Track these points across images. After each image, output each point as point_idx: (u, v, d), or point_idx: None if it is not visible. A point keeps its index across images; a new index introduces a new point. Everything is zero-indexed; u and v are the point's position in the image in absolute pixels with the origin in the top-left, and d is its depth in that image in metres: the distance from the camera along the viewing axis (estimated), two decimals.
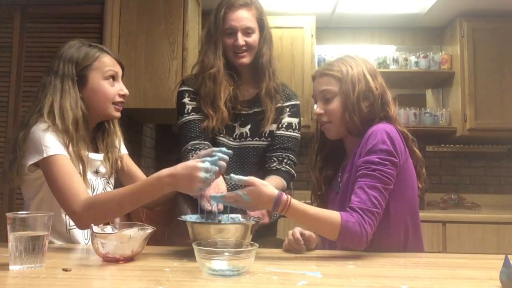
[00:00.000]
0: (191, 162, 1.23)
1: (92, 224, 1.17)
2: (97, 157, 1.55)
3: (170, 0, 2.80)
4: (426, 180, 1.50)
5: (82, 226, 1.35)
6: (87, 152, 1.47)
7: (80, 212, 1.31)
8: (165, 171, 1.24)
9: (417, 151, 1.49)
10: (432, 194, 3.43)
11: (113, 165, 1.58)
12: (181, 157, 1.77)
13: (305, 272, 1.05)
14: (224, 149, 1.30)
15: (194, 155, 1.70)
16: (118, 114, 1.56)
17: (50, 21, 2.86)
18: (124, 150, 1.67)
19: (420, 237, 1.48)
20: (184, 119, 1.81)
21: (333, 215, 1.28)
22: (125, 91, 1.55)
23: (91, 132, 1.57)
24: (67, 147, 1.40)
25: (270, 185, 1.27)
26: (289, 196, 1.26)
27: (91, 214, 1.30)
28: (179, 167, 1.23)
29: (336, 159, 1.60)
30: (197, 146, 1.76)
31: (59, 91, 1.46)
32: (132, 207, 1.35)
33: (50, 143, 1.37)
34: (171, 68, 2.77)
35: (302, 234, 1.36)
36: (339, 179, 1.52)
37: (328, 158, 1.61)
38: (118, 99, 1.54)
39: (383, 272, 1.12)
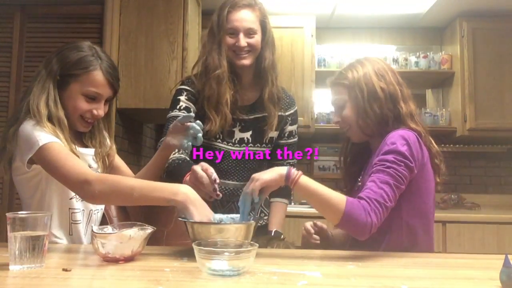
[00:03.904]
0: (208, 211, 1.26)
1: (98, 198, 1.23)
2: (88, 151, 1.54)
3: (170, 0, 2.80)
4: (444, 173, 1.51)
5: (90, 194, 1.30)
6: (75, 146, 1.46)
7: (94, 179, 1.28)
8: (186, 186, 1.27)
9: (433, 146, 1.49)
10: None
11: (104, 161, 1.56)
12: (157, 147, 1.75)
13: (305, 272, 1.05)
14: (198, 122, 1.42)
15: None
16: (83, 129, 1.53)
17: (50, 21, 2.86)
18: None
19: (431, 242, 1.48)
20: (173, 113, 1.78)
21: (340, 196, 1.28)
22: (99, 113, 1.48)
23: (74, 130, 1.54)
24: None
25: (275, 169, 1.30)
26: (299, 172, 1.28)
27: (103, 185, 1.28)
28: (197, 199, 1.25)
29: (362, 159, 1.61)
30: None
31: (41, 87, 1.44)
32: (140, 197, 1.28)
33: (41, 133, 1.36)
34: (171, 68, 2.77)
35: (315, 224, 1.42)
36: (359, 178, 1.55)
37: (355, 157, 1.64)
38: (88, 117, 1.49)
39: (383, 272, 1.11)
